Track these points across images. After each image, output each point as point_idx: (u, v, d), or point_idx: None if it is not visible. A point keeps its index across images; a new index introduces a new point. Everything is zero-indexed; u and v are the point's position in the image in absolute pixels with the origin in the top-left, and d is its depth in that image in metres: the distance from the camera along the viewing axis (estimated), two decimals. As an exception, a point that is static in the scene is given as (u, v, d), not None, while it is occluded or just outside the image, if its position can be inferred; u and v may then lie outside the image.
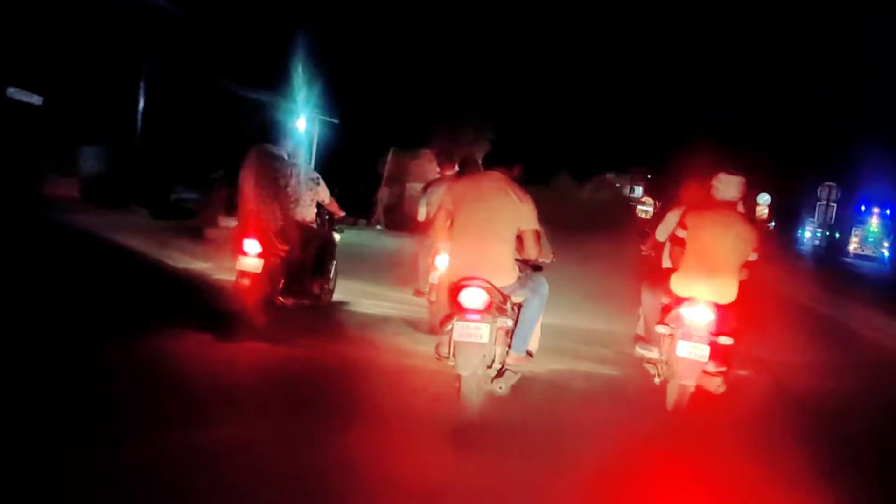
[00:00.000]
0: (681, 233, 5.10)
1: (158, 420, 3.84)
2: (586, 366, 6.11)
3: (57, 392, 4.14)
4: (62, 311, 5.63)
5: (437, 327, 4.95)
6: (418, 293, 6.71)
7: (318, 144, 17.61)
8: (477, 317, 4.25)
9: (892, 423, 5.37)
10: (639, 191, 35.58)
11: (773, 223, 30.00)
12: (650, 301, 5.24)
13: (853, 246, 32.50)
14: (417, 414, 4.40)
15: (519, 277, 4.58)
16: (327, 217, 6.81)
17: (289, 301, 6.15)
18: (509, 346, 4.66)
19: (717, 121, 25.55)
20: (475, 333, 4.21)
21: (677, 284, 4.99)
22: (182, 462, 3.41)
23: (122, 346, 4.99)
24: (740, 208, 5.24)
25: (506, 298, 4.52)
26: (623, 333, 6.38)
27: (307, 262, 6.37)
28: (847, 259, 30.52)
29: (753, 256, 5.02)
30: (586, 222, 16.48)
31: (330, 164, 15.14)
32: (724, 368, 5.02)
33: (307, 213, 6.52)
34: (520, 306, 4.70)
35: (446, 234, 4.67)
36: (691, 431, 4.64)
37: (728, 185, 5.05)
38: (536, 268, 4.94)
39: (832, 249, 31.83)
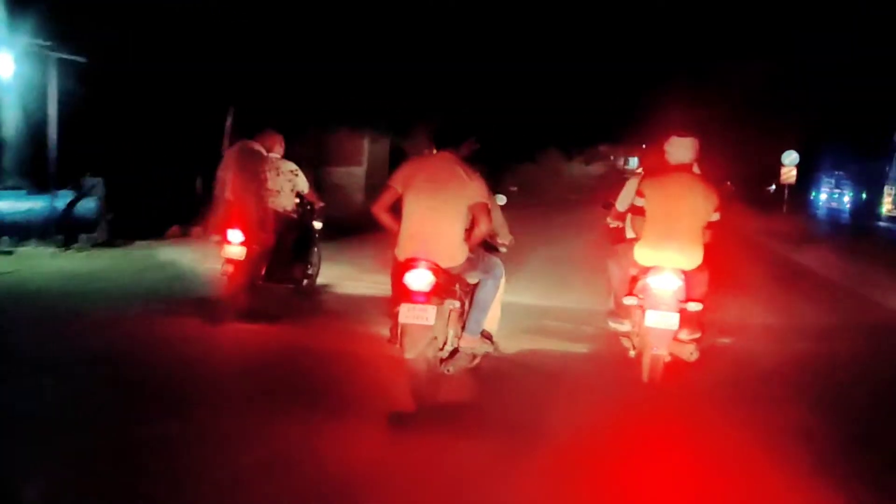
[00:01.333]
0: (639, 201, 5.01)
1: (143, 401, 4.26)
2: (560, 344, 6.07)
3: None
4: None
5: None
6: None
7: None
8: (422, 298, 4.16)
9: (877, 387, 5.26)
10: (633, 162, 34.06)
11: (772, 186, 28.88)
12: (617, 273, 5.17)
13: (887, 207, 28.33)
14: (370, 397, 4.38)
15: (469, 258, 4.47)
16: (308, 207, 7.12)
17: (271, 285, 6.78)
18: (463, 328, 4.58)
19: (733, 81, 24.13)
20: (421, 315, 4.13)
21: (641, 254, 4.91)
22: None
23: (115, 331, 5.58)
24: (696, 170, 5.14)
25: (454, 279, 4.43)
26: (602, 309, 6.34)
27: (288, 248, 6.88)
28: (881, 224, 27.02)
29: (715, 217, 4.91)
30: (572, 199, 16.22)
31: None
32: (697, 335, 4.94)
33: (287, 203, 6.93)
34: (474, 288, 4.62)
35: (386, 216, 4.49)
36: (666, 401, 4.59)
37: (679, 148, 4.96)
38: (492, 249, 4.87)
39: (860, 213, 28.65)
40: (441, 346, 4.44)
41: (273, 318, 6.29)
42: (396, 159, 15.53)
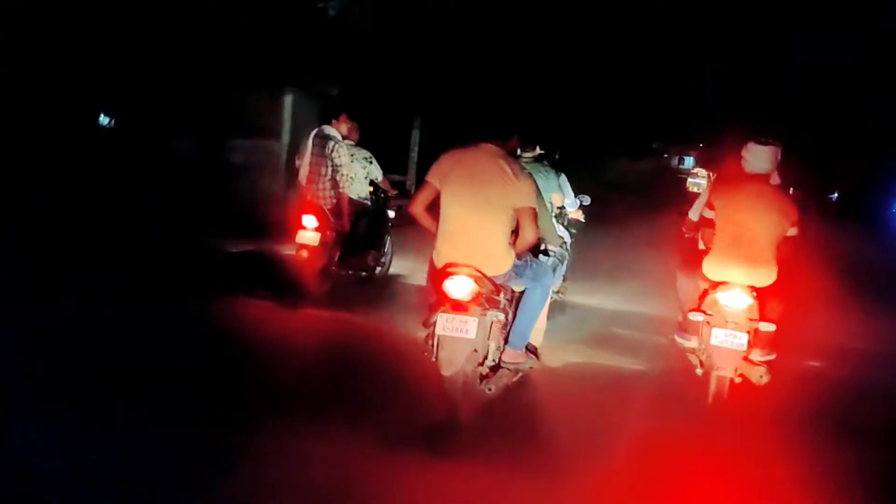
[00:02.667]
0: (708, 213, 4.70)
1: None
2: (621, 358, 5.73)
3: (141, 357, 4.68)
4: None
5: None
6: None
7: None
8: (463, 308, 3.82)
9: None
10: (689, 161, 31.58)
11: (835, 194, 25.94)
12: (685, 286, 4.89)
13: None
14: (408, 412, 4.11)
15: (516, 265, 4.06)
16: (382, 195, 7.12)
17: (345, 271, 6.79)
18: (506, 342, 4.20)
19: (794, 79, 22.36)
20: (461, 328, 3.78)
21: (710, 268, 4.61)
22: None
23: (198, 312, 5.69)
24: (775, 180, 4.77)
25: (499, 289, 4.08)
26: (664, 317, 6.12)
27: (361, 235, 6.89)
28: None
29: (793, 232, 4.54)
30: (619, 202, 14.92)
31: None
32: (771, 357, 4.59)
33: (362, 190, 6.94)
34: (520, 296, 4.30)
35: (425, 216, 4.14)
36: (728, 427, 4.28)
37: (757, 156, 4.59)
38: (544, 252, 4.61)
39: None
40: (481, 361, 4.06)
41: (345, 305, 6.32)
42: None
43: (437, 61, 13.66)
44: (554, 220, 6.34)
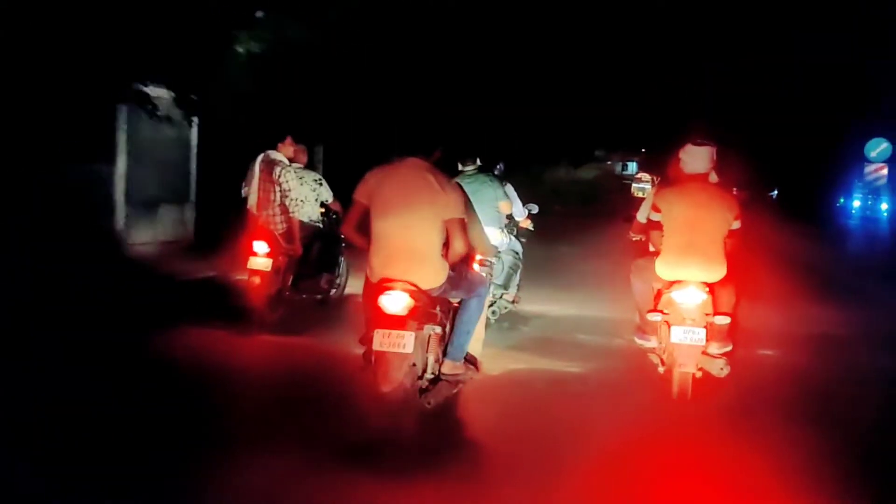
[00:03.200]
0: (654, 216, 4.82)
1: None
2: (568, 361, 5.74)
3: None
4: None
5: None
6: None
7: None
8: (399, 324, 3.78)
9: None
10: (633, 167, 32.03)
11: (775, 192, 25.24)
12: (640, 288, 4.98)
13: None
14: (350, 430, 3.94)
15: (450, 277, 4.02)
16: (333, 216, 7.02)
17: (299, 295, 6.75)
18: (444, 354, 4.20)
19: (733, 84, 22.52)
20: (398, 343, 3.74)
21: (662, 268, 4.71)
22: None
23: (146, 342, 5.47)
24: (713, 178, 4.93)
25: (435, 302, 4.07)
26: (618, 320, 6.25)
27: (314, 258, 6.84)
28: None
29: (736, 225, 4.69)
30: (563, 211, 14.72)
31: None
32: (727, 348, 4.70)
33: (313, 213, 6.88)
34: (457, 308, 4.30)
35: (357, 235, 4.09)
36: (695, 420, 4.32)
37: (695, 157, 4.74)
38: (481, 263, 4.65)
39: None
40: (420, 375, 4.06)
41: (298, 329, 6.20)
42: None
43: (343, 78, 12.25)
44: (504, 229, 6.39)
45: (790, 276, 8.44)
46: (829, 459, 3.70)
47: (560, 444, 3.92)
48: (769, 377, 5.25)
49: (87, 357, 5.10)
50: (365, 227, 4.08)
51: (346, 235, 4.11)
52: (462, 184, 6.05)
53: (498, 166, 6.97)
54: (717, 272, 4.62)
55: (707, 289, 4.56)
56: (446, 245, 4.03)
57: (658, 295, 4.79)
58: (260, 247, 6.19)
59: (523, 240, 7.05)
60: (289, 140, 6.63)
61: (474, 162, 6.36)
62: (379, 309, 3.81)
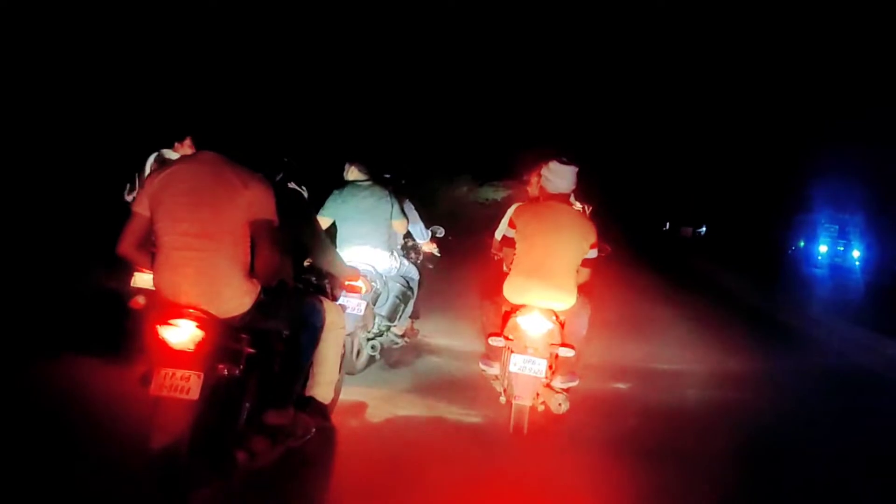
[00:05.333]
0: (510, 232, 4.48)
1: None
2: (438, 401, 4.96)
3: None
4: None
5: None
6: None
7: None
8: (185, 362, 2.94)
9: (774, 438, 4.80)
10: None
11: (703, 228, 24.76)
12: (488, 310, 4.62)
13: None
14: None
15: (260, 302, 3.16)
16: None
17: None
18: (271, 401, 3.35)
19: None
20: (182, 386, 2.90)
21: (510, 290, 4.37)
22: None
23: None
24: (575, 202, 4.67)
25: (237, 334, 3.14)
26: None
27: None
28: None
29: (592, 254, 4.41)
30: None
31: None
32: (573, 383, 4.39)
33: None
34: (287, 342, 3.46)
35: (140, 254, 3.20)
36: (526, 459, 4.03)
37: (559, 175, 4.42)
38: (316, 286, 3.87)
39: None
40: (233, 426, 3.19)
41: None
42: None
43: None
44: (395, 252, 5.66)
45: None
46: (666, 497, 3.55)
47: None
48: (614, 411, 5.02)
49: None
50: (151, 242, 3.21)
51: (125, 256, 3.17)
52: (351, 195, 5.43)
53: (401, 181, 5.96)
54: (566, 300, 4.32)
55: (554, 317, 4.25)
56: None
57: (505, 318, 4.44)
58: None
59: (430, 266, 6.34)
60: (188, 140, 5.35)
61: (367, 170, 5.59)
62: (162, 342, 2.98)
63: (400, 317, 5.68)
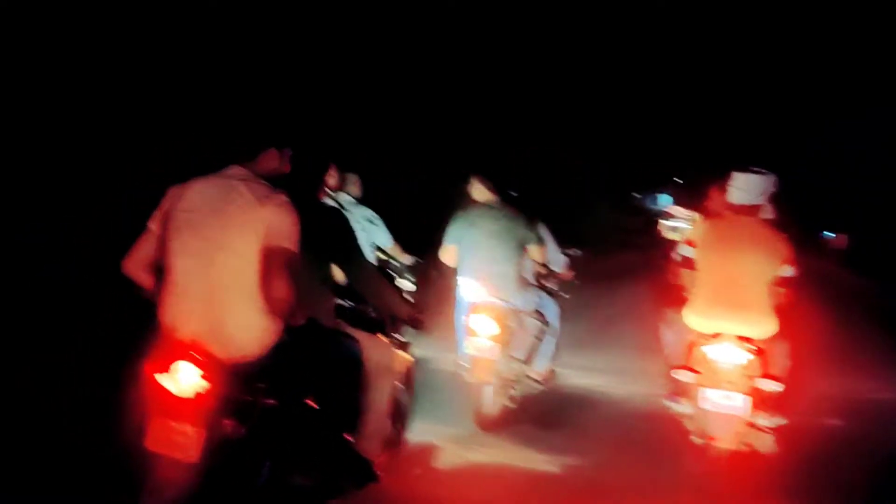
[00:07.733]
0: (688, 251, 4.03)
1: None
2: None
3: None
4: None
5: None
6: None
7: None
8: (184, 413, 2.46)
9: None
10: (665, 200, 25.06)
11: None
12: (671, 340, 4.19)
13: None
14: None
15: (282, 344, 2.63)
16: None
17: None
18: (299, 463, 2.84)
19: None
20: (178, 442, 2.43)
21: (693, 317, 3.91)
22: None
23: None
24: (767, 214, 4.11)
25: (250, 380, 2.59)
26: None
27: None
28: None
29: (788, 271, 3.86)
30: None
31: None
32: (780, 422, 3.86)
33: None
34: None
35: (147, 276, 2.74)
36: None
37: (744, 186, 3.93)
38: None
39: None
40: (255, 479, 2.67)
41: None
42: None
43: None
44: (533, 281, 5.00)
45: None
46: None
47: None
48: (830, 453, 4.30)
49: None
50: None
51: (130, 275, 2.76)
52: (480, 218, 4.78)
53: (528, 199, 5.21)
54: (763, 327, 3.80)
55: (750, 346, 3.75)
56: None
57: (690, 348, 3.99)
58: None
59: (567, 295, 5.45)
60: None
61: (495, 188, 4.91)
62: (160, 387, 2.49)
63: (538, 358, 5.04)
